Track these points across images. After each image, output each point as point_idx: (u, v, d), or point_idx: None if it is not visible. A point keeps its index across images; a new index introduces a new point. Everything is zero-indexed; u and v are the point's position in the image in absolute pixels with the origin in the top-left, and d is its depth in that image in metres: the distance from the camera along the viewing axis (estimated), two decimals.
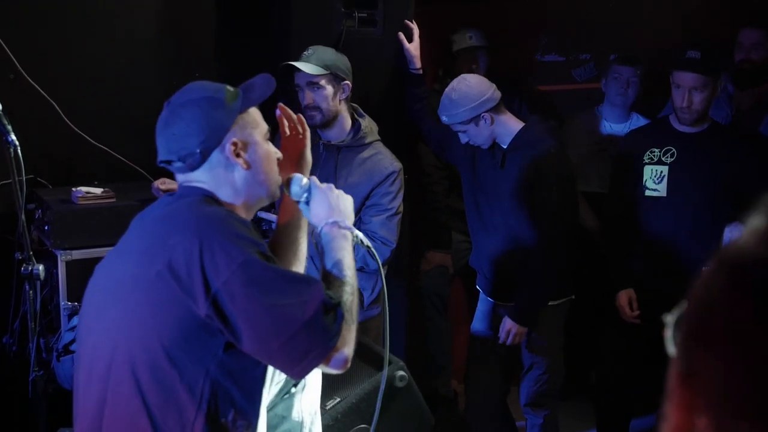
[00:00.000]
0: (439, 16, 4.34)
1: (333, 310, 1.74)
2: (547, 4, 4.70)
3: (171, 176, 3.43)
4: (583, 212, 3.69)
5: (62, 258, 3.23)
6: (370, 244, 2.05)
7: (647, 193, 3.49)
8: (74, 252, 3.26)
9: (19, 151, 2.70)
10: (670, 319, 0.67)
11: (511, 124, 3.34)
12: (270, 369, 1.90)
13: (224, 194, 1.91)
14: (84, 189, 3.40)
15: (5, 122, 2.74)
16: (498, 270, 3.48)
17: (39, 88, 3.63)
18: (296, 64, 3.19)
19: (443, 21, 4.39)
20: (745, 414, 0.59)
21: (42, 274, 2.78)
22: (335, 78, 3.24)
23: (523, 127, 3.34)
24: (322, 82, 3.22)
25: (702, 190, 3.40)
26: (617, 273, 3.57)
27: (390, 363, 2.78)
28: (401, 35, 3.64)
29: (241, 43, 4.04)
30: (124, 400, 1.77)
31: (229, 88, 1.96)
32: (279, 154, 2.01)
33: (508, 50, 3.52)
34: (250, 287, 1.69)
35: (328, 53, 3.27)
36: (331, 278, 1.85)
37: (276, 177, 1.98)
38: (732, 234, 3.40)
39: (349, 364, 1.77)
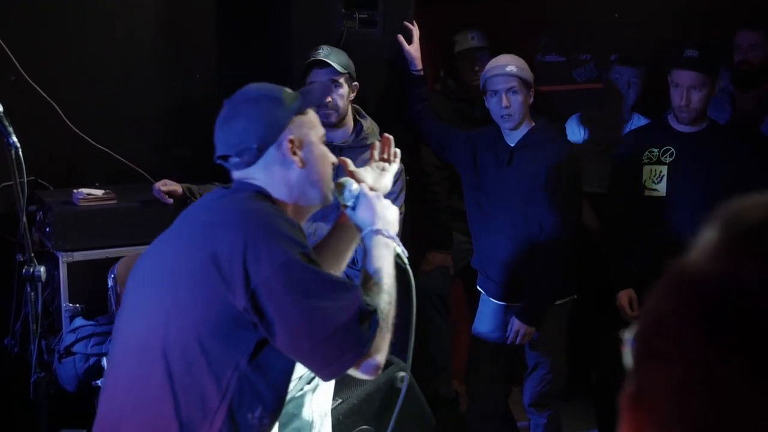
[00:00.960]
0: (439, 17, 4.34)
1: (369, 317, 1.77)
2: (547, 5, 4.70)
3: (172, 178, 3.45)
4: (583, 212, 3.70)
5: (63, 259, 3.24)
6: (406, 261, 2.05)
7: (646, 193, 3.49)
8: (75, 253, 3.26)
9: (20, 152, 2.70)
10: (627, 335, 0.65)
11: (525, 120, 3.37)
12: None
13: (278, 192, 1.94)
14: (85, 190, 3.40)
15: (6, 124, 2.74)
16: (502, 270, 3.48)
17: (40, 90, 3.63)
18: (326, 60, 3.20)
19: (443, 21, 4.39)
20: (689, 429, 0.58)
21: (43, 276, 2.78)
22: (350, 78, 3.27)
23: (533, 126, 3.38)
24: (342, 80, 3.25)
25: (701, 190, 3.40)
26: (617, 273, 3.58)
27: (391, 364, 2.79)
28: (401, 37, 3.64)
29: (241, 44, 4.04)
30: (153, 381, 1.79)
31: (288, 90, 2.01)
32: (334, 159, 2.05)
33: (508, 50, 3.51)
34: (289, 287, 1.72)
35: (343, 54, 3.31)
36: (370, 284, 1.88)
37: (330, 180, 2.02)
38: None
39: (380, 371, 1.80)
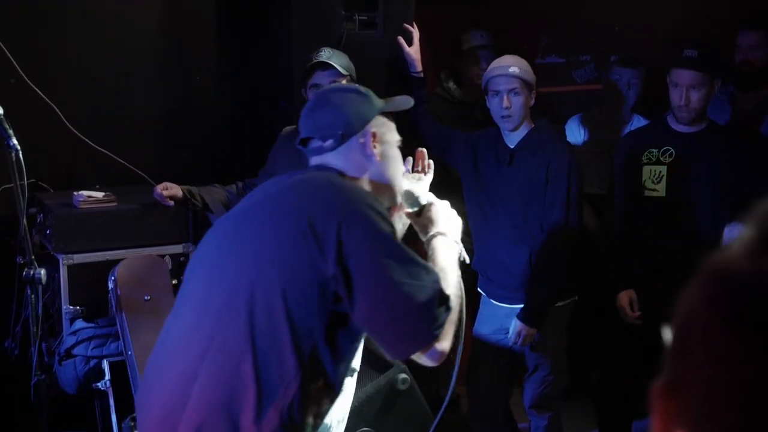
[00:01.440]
0: (439, 19, 4.35)
1: (445, 301, 1.84)
2: (547, 6, 4.70)
3: (174, 180, 3.45)
4: (583, 213, 3.69)
5: (64, 262, 3.24)
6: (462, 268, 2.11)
7: (646, 193, 3.49)
8: (76, 256, 3.26)
9: (20, 155, 2.70)
10: (667, 330, 0.66)
11: (525, 121, 3.38)
12: None
13: (355, 179, 2.01)
14: (85, 193, 3.40)
15: (6, 126, 2.74)
16: (503, 271, 3.48)
17: (40, 92, 3.63)
18: (330, 61, 3.20)
19: (443, 23, 4.39)
20: (719, 428, 0.59)
21: (44, 278, 2.78)
22: (352, 80, 3.27)
23: (533, 127, 3.38)
24: (343, 82, 3.24)
25: (701, 190, 3.40)
26: (618, 274, 3.58)
27: (392, 365, 2.79)
28: (401, 39, 3.64)
29: (241, 45, 4.04)
30: (234, 339, 1.81)
31: (374, 94, 2.12)
32: (403, 168, 2.16)
33: (508, 52, 3.52)
34: (379, 260, 1.79)
35: (344, 56, 3.31)
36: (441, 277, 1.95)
37: (400, 183, 2.11)
38: (732, 233, 3.40)
39: (443, 359, 1.86)
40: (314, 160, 2.05)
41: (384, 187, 2.06)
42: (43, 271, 2.78)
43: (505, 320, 3.52)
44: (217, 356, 1.83)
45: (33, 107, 3.60)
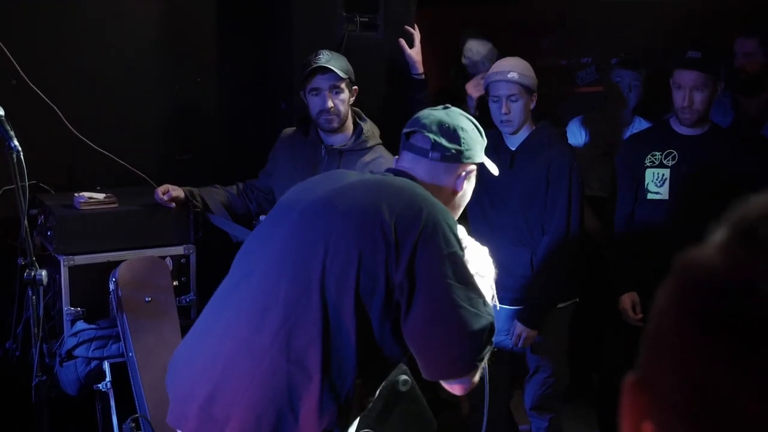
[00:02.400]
0: (440, 20, 4.35)
1: (491, 336, 1.86)
2: (548, 8, 4.70)
3: (174, 181, 3.45)
4: (585, 215, 3.69)
5: (65, 263, 3.23)
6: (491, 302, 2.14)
7: (649, 196, 3.49)
8: (77, 257, 3.26)
9: (21, 156, 2.70)
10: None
11: (526, 124, 3.38)
12: None
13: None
14: (86, 194, 3.40)
15: (7, 128, 2.74)
16: (504, 272, 3.48)
17: (41, 94, 3.63)
18: (328, 65, 3.20)
19: (444, 24, 4.40)
20: (683, 423, 0.60)
21: (45, 280, 2.78)
22: (351, 83, 3.27)
23: (534, 130, 3.38)
24: (343, 85, 3.24)
25: (704, 193, 3.40)
26: (620, 276, 3.57)
27: None
28: (402, 41, 3.64)
29: (241, 48, 4.05)
30: (305, 327, 1.83)
31: None
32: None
33: (509, 53, 3.52)
34: (446, 279, 1.81)
35: (343, 58, 3.31)
36: None
37: (458, 216, 2.15)
38: None
39: (470, 391, 1.90)
40: (406, 158, 2.11)
41: None
42: (44, 273, 2.78)
43: (506, 322, 3.51)
44: (285, 342, 1.83)
45: (34, 108, 3.60)
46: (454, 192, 2.11)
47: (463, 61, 4.22)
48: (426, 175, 2.07)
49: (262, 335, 1.86)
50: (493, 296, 2.15)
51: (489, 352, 1.88)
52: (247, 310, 1.93)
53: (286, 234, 1.98)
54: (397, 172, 2.09)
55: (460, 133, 2.09)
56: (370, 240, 1.84)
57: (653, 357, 0.63)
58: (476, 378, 1.87)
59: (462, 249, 1.89)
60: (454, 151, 2.07)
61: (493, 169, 2.29)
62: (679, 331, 0.61)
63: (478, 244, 2.23)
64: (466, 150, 2.09)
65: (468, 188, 2.16)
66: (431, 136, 2.08)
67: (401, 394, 2.76)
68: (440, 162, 2.08)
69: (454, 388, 1.88)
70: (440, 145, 2.07)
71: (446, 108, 2.18)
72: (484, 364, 1.89)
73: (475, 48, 4.24)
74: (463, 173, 2.11)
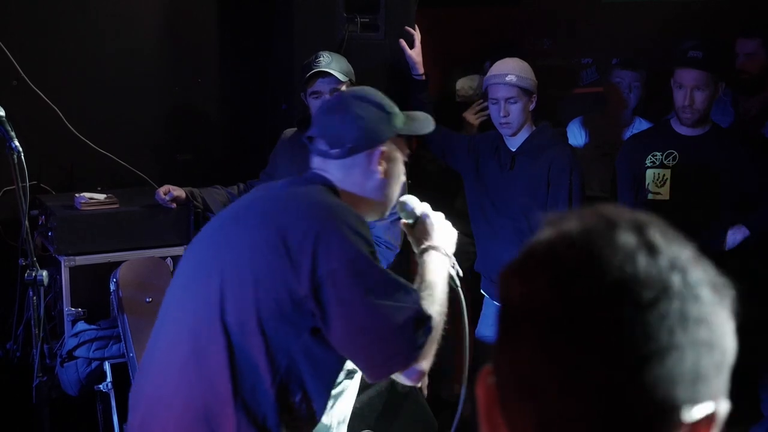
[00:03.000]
0: (440, 21, 4.35)
1: (424, 323, 1.80)
2: (548, 8, 4.70)
3: (175, 182, 3.45)
4: None
5: (66, 264, 3.24)
6: (458, 282, 2.09)
7: (650, 196, 3.49)
8: (78, 258, 3.26)
9: (22, 156, 2.70)
10: None
11: (525, 125, 3.38)
12: None
13: (347, 192, 1.98)
14: (87, 195, 3.40)
15: (8, 128, 2.74)
16: None
17: (42, 94, 3.63)
18: (328, 70, 3.20)
19: (445, 25, 4.40)
20: (513, 411, 0.71)
21: (45, 280, 2.78)
22: (351, 84, 3.27)
23: (534, 131, 3.38)
24: (343, 88, 3.24)
25: (705, 193, 3.40)
26: None
27: None
28: (402, 42, 3.63)
29: (243, 49, 4.05)
30: (214, 353, 1.80)
31: (397, 110, 2.06)
32: (403, 179, 2.11)
33: (510, 54, 3.52)
34: (354, 281, 1.75)
35: (343, 60, 3.30)
36: (425, 294, 1.91)
37: (396, 197, 2.07)
38: (735, 236, 3.40)
39: (423, 378, 1.84)
40: (316, 162, 2.01)
41: (379, 203, 2.03)
42: (44, 273, 2.77)
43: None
44: (196, 370, 1.82)
45: (35, 109, 3.61)
46: (376, 179, 1.98)
47: (458, 99, 4.26)
48: (339, 174, 1.96)
49: (177, 367, 1.86)
50: (453, 265, 2.07)
51: (432, 336, 1.81)
52: (166, 342, 1.93)
53: (191, 265, 1.98)
54: (310, 177, 2.00)
55: (356, 122, 1.96)
56: (263, 259, 1.79)
57: (499, 349, 0.75)
58: (424, 365, 1.81)
59: (369, 244, 1.81)
60: (353, 142, 1.95)
61: (424, 128, 2.10)
62: (510, 327, 0.74)
63: (434, 212, 2.14)
64: (368, 135, 1.96)
65: (391, 167, 2.00)
66: (323, 136, 1.99)
67: (402, 394, 2.76)
68: (346, 158, 1.96)
69: (405, 381, 1.83)
70: (337, 142, 1.96)
71: (339, 98, 2.07)
72: (432, 346, 1.83)
73: (467, 85, 4.28)
74: (376, 157, 1.96)
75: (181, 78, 4.00)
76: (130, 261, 3.21)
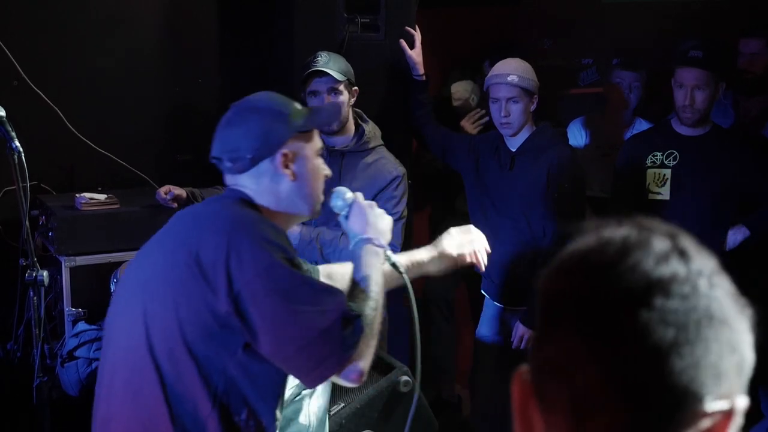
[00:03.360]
0: (441, 21, 4.35)
1: (352, 321, 1.77)
2: (549, 9, 4.70)
3: (176, 183, 3.45)
4: (586, 216, 3.70)
5: (66, 264, 3.24)
6: (402, 270, 2.07)
7: (650, 196, 3.49)
8: (78, 258, 3.26)
9: (23, 157, 2.70)
10: None
11: (526, 126, 3.38)
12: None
13: (265, 201, 1.95)
14: (88, 195, 3.41)
15: (9, 128, 2.74)
16: (506, 274, 3.48)
17: (42, 95, 3.64)
18: (325, 69, 3.20)
19: (445, 26, 4.40)
20: (549, 401, 0.77)
21: (46, 281, 2.78)
22: (350, 84, 3.27)
23: (534, 131, 3.38)
24: (341, 87, 3.24)
25: (705, 193, 3.40)
26: None
27: (394, 368, 2.79)
28: (403, 42, 3.64)
29: (243, 49, 4.05)
30: (147, 388, 1.79)
31: (297, 106, 2.02)
32: (328, 171, 2.06)
33: (510, 54, 3.52)
34: (272, 291, 1.72)
35: (341, 60, 3.30)
36: (356, 291, 1.88)
37: (319, 194, 2.03)
38: (735, 236, 3.40)
39: (364, 378, 1.79)
40: (228, 179, 1.99)
41: (301, 204, 1.98)
42: (45, 273, 2.78)
43: (508, 323, 3.52)
44: (134, 401, 1.81)
45: (35, 109, 3.61)
46: (287, 182, 1.94)
47: (454, 104, 4.26)
48: (252, 185, 1.94)
49: (119, 399, 1.86)
50: (388, 256, 2.02)
51: (365, 334, 1.77)
52: (108, 369, 1.93)
53: (124, 291, 1.97)
54: (226, 194, 1.98)
55: (250, 132, 1.93)
56: (180, 283, 1.77)
57: (535, 345, 0.80)
58: (362, 364, 1.76)
59: (284, 251, 1.78)
60: (252, 152, 1.92)
61: (326, 121, 2.08)
62: (547, 327, 0.78)
63: (369, 202, 2.10)
64: (265, 141, 1.92)
65: (300, 167, 1.95)
66: (222, 154, 1.96)
67: (402, 394, 2.76)
68: (251, 169, 1.93)
69: (345, 383, 1.80)
70: (237, 156, 1.93)
71: (232, 112, 2.01)
72: (368, 343, 1.79)
73: (462, 88, 4.28)
74: (279, 161, 1.93)
75: (181, 78, 4.00)
76: (131, 261, 3.21)
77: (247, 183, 1.94)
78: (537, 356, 0.79)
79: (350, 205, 2.07)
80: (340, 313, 1.75)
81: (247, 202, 1.92)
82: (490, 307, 3.63)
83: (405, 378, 2.77)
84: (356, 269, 1.94)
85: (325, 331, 1.72)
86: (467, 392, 4.05)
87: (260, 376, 1.79)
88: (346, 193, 2.09)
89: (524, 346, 3.42)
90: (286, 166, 1.94)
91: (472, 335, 3.80)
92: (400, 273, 2.06)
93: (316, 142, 2.02)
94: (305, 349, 1.72)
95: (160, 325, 1.79)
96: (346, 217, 2.08)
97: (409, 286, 2.07)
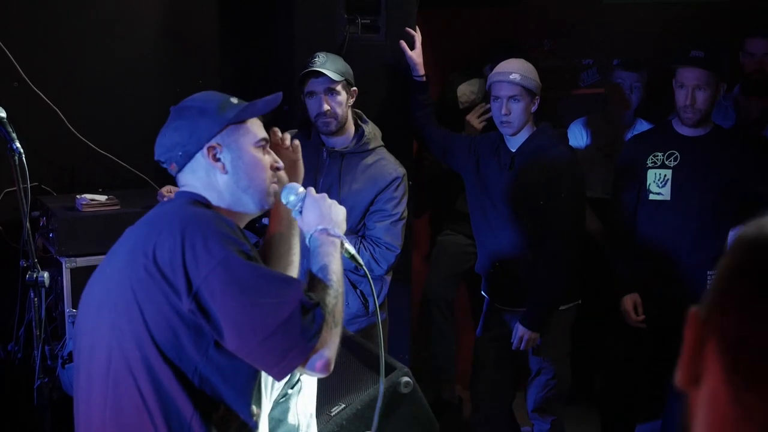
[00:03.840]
0: (441, 22, 4.35)
1: (311, 310, 1.76)
2: (549, 9, 4.70)
3: (176, 184, 3.45)
4: (587, 217, 3.70)
5: (67, 265, 3.24)
6: (356, 255, 2.06)
7: (651, 197, 3.49)
8: (79, 259, 3.26)
9: (23, 158, 2.70)
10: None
11: (526, 126, 3.37)
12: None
13: (212, 197, 1.98)
14: (88, 196, 3.41)
15: (9, 130, 2.74)
16: (506, 274, 3.48)
17: (43, 96, 3.64)
18: (321, 69, 3.20)
19: (445, 27, 4.40)
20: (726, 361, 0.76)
21: (47, 282, 2.78)
22: (348, 84, 3.27)
23: (534, 131, 3.38)
24: (339, 88, 3.24)
25: (706, 193, 3.40)
26: (621, 277, 3.57)
27: (395, 368, 2.78)
28: (403, 43, 3.64)
29: (243, 50, 4.05)
30: (125, 399, 1.80)
31: (233, 99, 2.04)
32: (279, 164, 2.05)
33: (510, 55, 3.52)
34: (229, 284, 1.73)
35: (339, 60, 3.30)
36: (315, 281, 1.88)
37: (264, 185, 2.01)
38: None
39: (331, 367, 1.79)
40: (177, 181, 2.02)
41: (244, 195, 1.98)
42: (46, 275, 2.78)
43: (508, 324, 3.52)
44: (117, 422, 1.81)
45: (36, 110, 3.61)
46: (220, 174, 1.95)
47: (460, 106, 4.26)
48: (194, 183, 1.97)
49: (98, 413, 1.85)
50: (343, 246, 2.00)
51: (326, 322, 1.76)
52: (83, 380, 1.93)
53: (92, 301, 1.96)
54: (176, 195, 2.01)
55: (178, 130, 1.97)
56: (141, 289, 1.78)
57: (716, 302, 0.79)
58: (327, 353, 1.76)
59: (237, 244, 1.78)
60: (182, 149, 1.95)
61: (263, 108, 2.05)
62: (738, 289, 0.77)
63: (320, 195, 2.07)
64: (192, 136, 1.95)
65: (234, 158, 1.96)
66: (159, 156, 2.00)
67: (403, 395, 2.76)
68: (186, 166, 1.97)
69: (312, 374, 1.80)
70: (172, 155, 1.97)
71: (170, 113, 2.04)
72: (332, 335, 1.78)
73: (468, 90, 4.28)
74: (213, 155, 1.95)
75: (181, 78, 4.00)
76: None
77: (189, 181, 1.99)
78: (712, 315, 0.79)
79: (303, 199, 2.06)
80: (299, 302, 1.74)
81: (199, 201, 1.95)
82: (490, 308, 3.63)
83: (406, 379, 2.77)
84: (314, 261, 1.93)
85: (285, 322, 1.72)
86: (468, 393, 4.05)
87: (232, 372, 1.79)
88: (298, 188, 2.09)
89: (524, 346, 3.41)
90: (216, 159, 1.96)
91: (473, 336, 3.80)
92: (360, 264, 2.06)
93: (256, 135, 2.02)
94: (267, 341, 1.72)
95: (129, 335, 1.79)
96: (300, 211, 2.06)
97: (369, 276, 2.09)
